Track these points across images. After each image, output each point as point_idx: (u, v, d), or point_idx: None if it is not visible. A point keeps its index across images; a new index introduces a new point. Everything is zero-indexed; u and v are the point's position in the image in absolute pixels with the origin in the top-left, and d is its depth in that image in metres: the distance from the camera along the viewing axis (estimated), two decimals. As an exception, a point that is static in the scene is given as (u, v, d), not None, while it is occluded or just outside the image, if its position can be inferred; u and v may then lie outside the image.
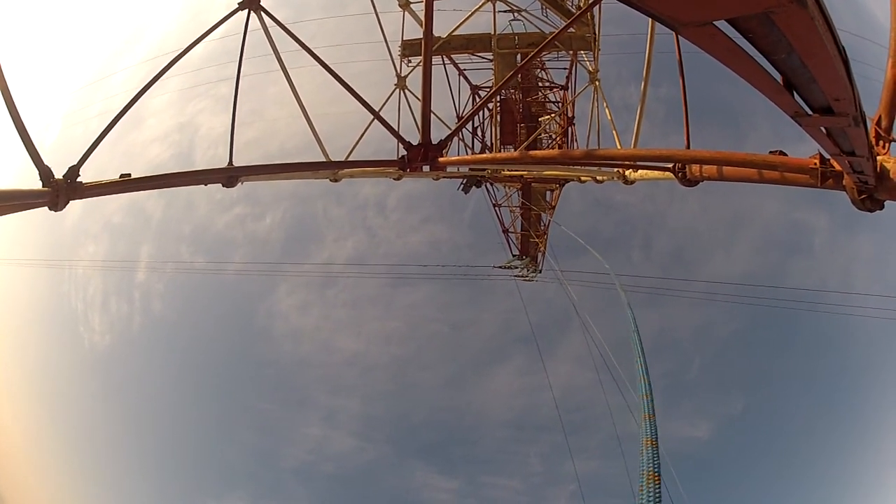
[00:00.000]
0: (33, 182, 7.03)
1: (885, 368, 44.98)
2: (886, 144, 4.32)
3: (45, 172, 7.09)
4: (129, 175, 8.46)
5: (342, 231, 66.11)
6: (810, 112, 3.21)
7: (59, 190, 7.20)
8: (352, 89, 10.78)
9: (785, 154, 5.67)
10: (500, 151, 23.52)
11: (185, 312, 62.31)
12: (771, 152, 5.75)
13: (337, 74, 10.86)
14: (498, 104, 24.65)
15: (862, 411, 46.12)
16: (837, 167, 5.01)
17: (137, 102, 9.14)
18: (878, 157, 4.34)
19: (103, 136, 8.26)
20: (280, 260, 66.37)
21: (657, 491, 4.66)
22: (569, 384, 49.54)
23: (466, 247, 58.12)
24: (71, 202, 7.46)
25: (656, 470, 4.98)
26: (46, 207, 7.19)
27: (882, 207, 4.81)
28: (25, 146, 6.68)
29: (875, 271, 48.38)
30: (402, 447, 57.23)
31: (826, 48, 2.42)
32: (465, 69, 24.30)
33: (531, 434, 55.94)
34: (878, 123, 4.30)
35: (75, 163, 7.62)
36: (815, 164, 5.28)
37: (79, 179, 7.58)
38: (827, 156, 4.98)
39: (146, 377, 59.98)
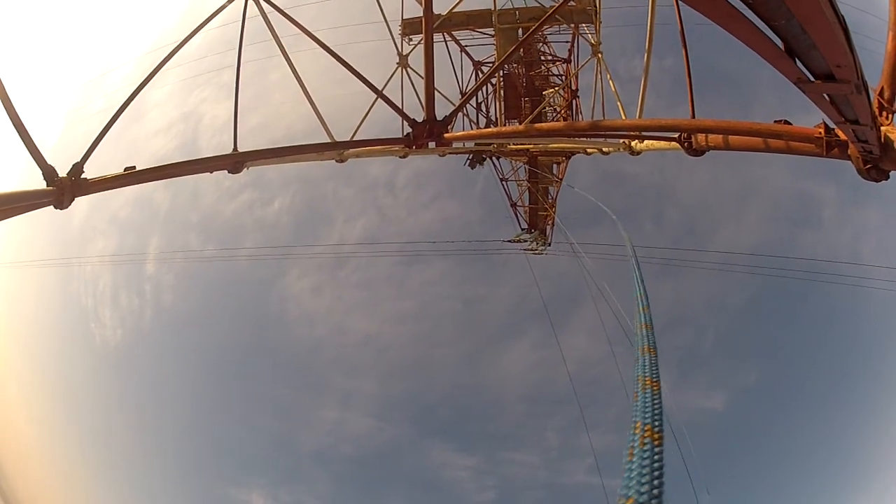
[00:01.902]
0: (37, 182, 7.06)
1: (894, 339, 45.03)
2: (890, 115, 4.30)
3: (48, 171, 7.11)
4: (135, 167, 8.47)
5: (352, 212, 66.12)
6: (812, 78, 3.20)
7: (64, 188, 7.23)
8: (354, 69, 10.76)
9: (790, 123, 5.65)
10: (504, 126, 23.47)
11: (196, 302, 62.59)
12: (776, 121, 5.73)
13: (339, 56, 10.84)
14: (501, 79, 24.57)
15: (875, 380, 46.19)
16: (842, 136, 5.00)
17: (139, 96, 9.16)
18: (883, 128, 4.33)
19: (106, 132, 8.28)
20: (291, 243, 66.41)
21: (656, 395, 3.84)
22: (584, 357, 49.55)
23: (478, 222, 57.94)
24: (77, 199, 7.49)
25: (655, 377, 4.26)
26: (52, 206, 7.22)
27: (887, 178, 4.81)
28: (27, 147, 6.71)
29: (883, 242, 48.26)
30: (420, 426, 57.48)
31: (824, 14, 2.42)
32: (466, 45, 24.22)
33: (548, 408, 56.07)
34: (881, 94, 4.28)
35: (79, 160, 7.65)
36: (821, 133, 5.27)
37: (83, 176, 7.60)
38: (832, 125, 4.96)
39: (160, 369, 60.36)
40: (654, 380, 4.05)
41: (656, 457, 3.31)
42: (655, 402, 3.74)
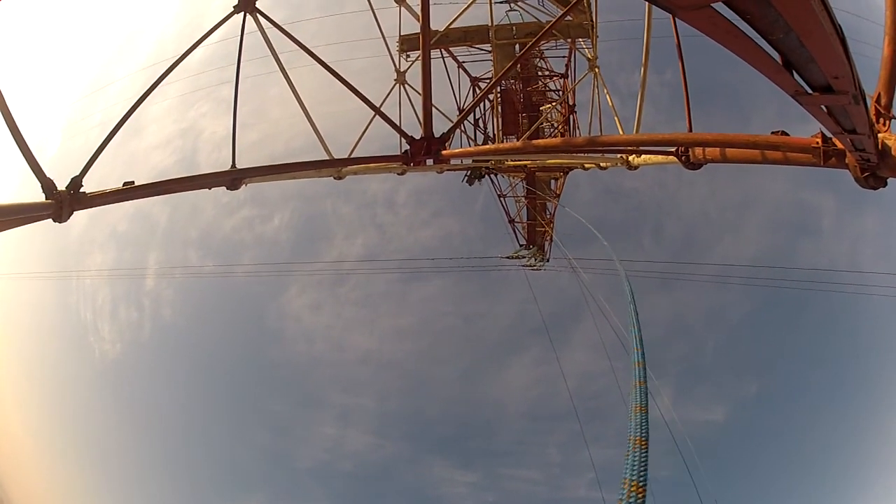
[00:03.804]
0: (36, 195, 7.06)
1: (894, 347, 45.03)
2: (887, 122, 4.31)
3: (47, 185, 7.11)
4: (133, 182, 8.47)
5: (352, 229, 66.07)
6: (810, 91, 3.21)
7: (63, 201, 7.23)
8: (352, 86, 10.79)
9: (787, 134, 5.66)
10: (502, 142, 23.50)
11: (195, 317, 62.40)
12: (773, 132, 5.74)
13: (336, 72, 10.85)
14: (498, 95, 24.62)
15: (874, 389, 46.18)
16: (839, 146, 5.00)
17: (138, 110, 9.17)
18: (880, 135, 4.34)
19: (104, 146, 8.28)
20: (290, 260, 66.34)
21: (643, 456, 4.38)
22: (585, 372, 49.45)
23: (478, 238, 57.93)
24: (75, 213, 7.49)
25: (643, 435, 4.68)
26: (51, 219, 7.22)
27: (885, 185, 4.81)
28: (26, 159, 6.70)
29: (882, 249, 48.36)
30: (420, 443, 57.29)
31: (822, 27, 2.42)
32: (464, 62, 24.28)
33: (549, 424, 55.90)
34: (878, 101, 4.29)
35: (77, 173, 7.65)
36: (818, 143, 5.28)
37: (82, 190, 7.60)
38: (829, 135, 4.97)
39: (158, 384, 60.21)
40: (643, 439, 4.44)
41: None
42: (643, 461, 4.31)
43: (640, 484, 3.60)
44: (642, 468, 3.93)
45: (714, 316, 55.49)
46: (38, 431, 62.16)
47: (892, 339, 44.62)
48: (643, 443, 4.44)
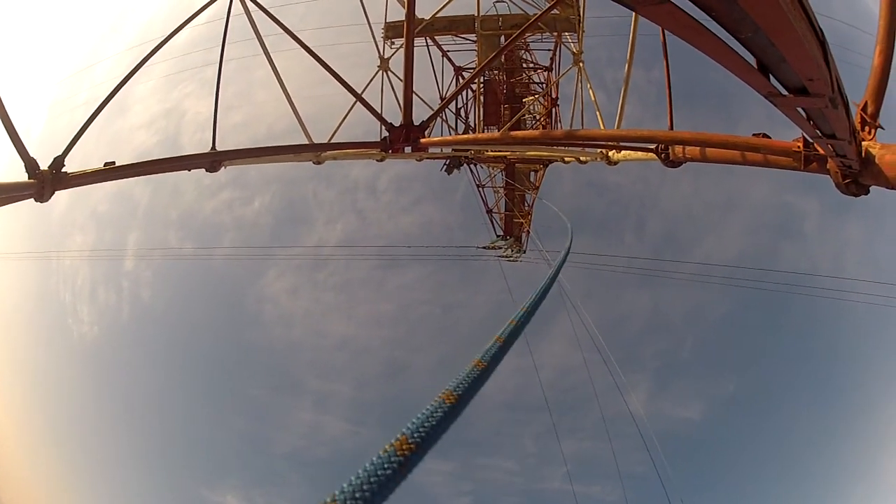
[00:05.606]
0: (18, 174, 7.04)
1: (875, 353, 45.38)
2: (872, 130, 4.36)
3: (30, 164, 7.09)
4: (114, 163, 8.47)
5: (332, 214, 66.00)
6: (785, 92, 3.21)
7: (45, 181, 7.21)
8: (334, 72, 10.77)
9: (769, 136, 5.71)
10: (483, 132, 23.47)
11: (173, 299, 62.28)
12: (755, 134, 5.78)
13: (319, 57, 10.84)
14: (481, 85, 24.58)
15: (854, 393, 46.56)
16: (821, 151, 5.05)
17: (123, 89, 9.15)
18: (864, 143, 4.38)
19: (88, 125, 8.26)
20: (269, 244, 66.24)
21: (474, 373, 3.80)
22: (562, 365, 49.66)
23: (458, 228, 58.07)
24: (57, 193, 7.48)
25: (486, 360, 4.35)
26: (32, 199, 7.21)
27: (867, 192, 4.82)
28: (10, 138, 6.67)
29: (864, 255, 48.73)
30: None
31: (793, 26, 2.40)
32: (448, 51, 24.25)
33: (526, 415, 56.16)
34: (864, 109, 4.34)
35: (60, 153, 7.64)
36: (799, 147, 5.31)
37: (64, 169, 7.59)
38: (811, 139, 5.00)
39: (136, 366, 59.97)
40: (484, 363, 4.13)
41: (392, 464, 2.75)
42: (469, 376, 3.56)
43: (455, 394, 3.25)
44: (464, 382, 3.53)
45: (693, 314, 55.86)
46: (13, 413, 61.78)
47: (871, 343, 45.05)
48: (482, 364, 4.09)
